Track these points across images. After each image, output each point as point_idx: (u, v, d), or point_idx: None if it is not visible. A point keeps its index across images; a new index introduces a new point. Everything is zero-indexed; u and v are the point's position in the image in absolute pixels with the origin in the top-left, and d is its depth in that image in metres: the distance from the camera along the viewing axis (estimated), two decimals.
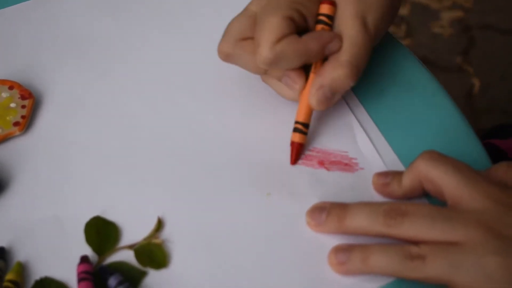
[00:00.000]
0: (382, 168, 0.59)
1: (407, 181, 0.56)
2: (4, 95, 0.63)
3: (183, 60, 0.66)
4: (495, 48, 1.61)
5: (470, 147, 0.61)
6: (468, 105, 1.52)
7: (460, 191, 0.53)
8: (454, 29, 1.63)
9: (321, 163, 0.59)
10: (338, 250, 0.54)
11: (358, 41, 0.58)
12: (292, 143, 0.59)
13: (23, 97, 0.62)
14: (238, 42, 0.59)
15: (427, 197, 0.57)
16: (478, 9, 1.66)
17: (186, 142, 0.61)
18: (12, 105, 0.62)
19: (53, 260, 0.55)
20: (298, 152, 0.59)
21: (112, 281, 0.54)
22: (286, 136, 0.61)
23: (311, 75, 0.59)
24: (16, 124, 0.61)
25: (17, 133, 0.61)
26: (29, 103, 0.62)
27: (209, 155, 0.60)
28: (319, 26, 0.59)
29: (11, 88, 0.63)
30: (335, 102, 0.59)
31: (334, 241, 0.55)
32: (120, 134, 0.62)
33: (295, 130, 0.59)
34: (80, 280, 0.54)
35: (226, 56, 0.60)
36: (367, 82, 0.63)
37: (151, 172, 0.60)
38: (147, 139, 0.61)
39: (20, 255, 0.56)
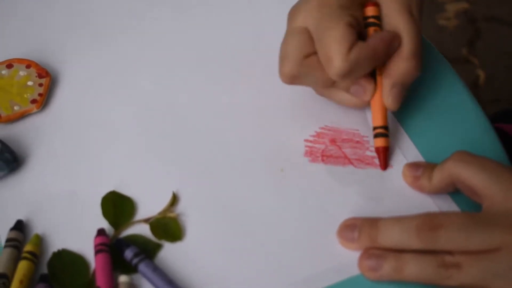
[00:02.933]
0: (393, 147, 0.60)
1: (437, 180, 0.56)
2: (21, 73, 0.64)
3: (198, 40, 0.67)
4: (500, 40, 1.62)
5: (488, 140, 0.62)
6: (474, 96, 1.53)
7: (493, 191, 0.53)
8: (459, 21, 1.64)
9: (333, 141, 0.61)
10: (371, 255, 0.54)
11: (413, 32, 0.58)
12: (378, 149, 0.59)
13: (40, 76, 0.64)
14: (302, 61, 0.58)
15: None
16: (483, 1, 1.67)
17: (201, 119, 0.62)
18: (30, 83, 0.63)
19: (70, 233, 0.57)
20: (386, 156, 0.59)
21: (129, 253, 0.55)
22: (299, 112, 0.61)
23: (378, 78, 0.59)
24: (33, 101, 0.62)
25: (35, 110, 0.62)
26: (46, 82, 0.63)
27: (223, 132, 0.62)
28: (372, 29, 0.59)
29: (28, 66, 0.64)
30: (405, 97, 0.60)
31: (343, 214, 0.56)
32: (135, 111, 0.63)
33: (377, 135, 0.59)
34: (97, 252, 0.55)
35: (292, 79, 0.59)
36: None
37: (166, 148, 0.61)
38: (162, 116, 0.63)
39: (38, 228, 0.57)
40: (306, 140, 0.61)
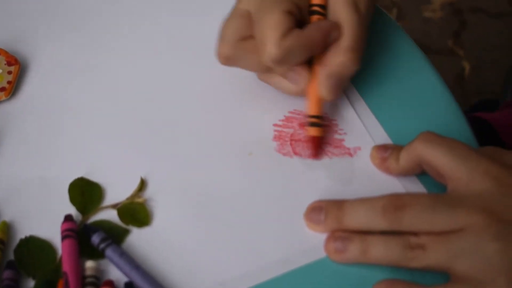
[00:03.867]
0: (362, 130, 0.60)
1: (403, 161, 0.56)
2: None
3: (169, 26, 0.67)
4: (486, 32, 1.62)
5: (456, 123, 0.62)
6: (459, 87, 1.53)
7: (459, 172, 0.53)
8: (445, 13, 1.64)
9: (302, 125, 0.60)
10: (337, 238, 0.54)
11: (355, 24, 0.58)
12: (311, 138, 0.59)
13: (9, 63, 0.63)
14: (238, 43, 0.58)
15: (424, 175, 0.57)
16: None
17: (170, 104, 0.62)
18: None
19: (38, 219, 0.57)
20: (318, 146, 0.59)
21: (96, 238, 0.55)
22: (268, 95, 0.61)
23: (315, 67, 0.59)
24: (2, 89, 0.62)
25: (3, 98, 0.62)
26: (15, 69, 0.63)
27: (192, 117, 0.61)
28: (315, 17, 0.59)
29: None
30: (343, 89, 0.59)
31: (312, 198, 0.56)
32: (103, 98, 0.63)
33: (311, 124, 0.59)
34: (64, 237, 0.55)
35: (226, 59, 0.58)
36: None
37: (134, 134, 0.61)
38: (131, 102, 0.62)
39: (6, 214, 0.57)
40: (275, 125, 0.61)
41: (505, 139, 0.83)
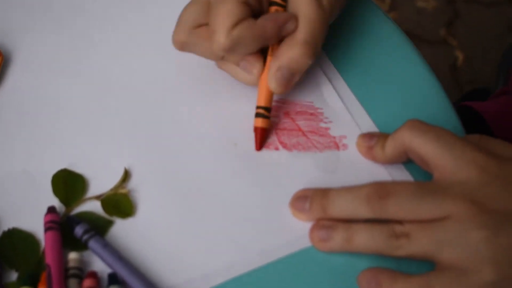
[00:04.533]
0: (348, 119, 0.60)
1: (389, 149, 0.56)
2: None
3: (150, 19, 0.66)
4: (479, 21, 1.61)
5: (444, 112, 0.61)
6: (452, 77, 1.53)
7: (444, 160, 0.52)
8: (438, 2, 1.64)
9: (287, 114, 0.60)
10: (321, 227, 0.54)
11: (313, 19, 0.57)
12: (256, 129, 0.58)
13: None
14: (192, 30, 0.57)
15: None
16: None
17: (154, 95, 0.62)
18: None
19: (21, 212, 0.56)
20: (263, 137, 0.58)
21: (79, 229, 0.54)
22: (253, 87, 0.60)
23: (269, 58, 0.58)
24: None
25: None
26: None
27: (176, 107, 0.61)
28: (273, 8, 0.58)
29: None
30: (295, 83, 0.58)
31: (297, 187, 0.56)
32: (86, 90, 0.62)
33: (258, 115, 0.58)
34: (47, 229, 0.54)
35: (181, 45, 0.58)
36: (336, 39, 0.64)
37: (118, 125, 0.60)
38: (114, 93, 0.62)
39: None
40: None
41: (494, 129, 0.83)
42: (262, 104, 0.58)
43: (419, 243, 0.50)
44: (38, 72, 0.63)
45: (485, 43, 1.57)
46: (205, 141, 0.59)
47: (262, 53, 0.58)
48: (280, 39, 0.57)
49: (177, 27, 0.58)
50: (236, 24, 0.55)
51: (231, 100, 0.61)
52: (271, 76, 0.57)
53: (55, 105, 0.61)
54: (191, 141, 0.59)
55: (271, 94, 0.58)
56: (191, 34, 0.58)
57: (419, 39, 1.56)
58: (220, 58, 0.58)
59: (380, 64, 0.63)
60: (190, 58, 0.63)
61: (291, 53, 0.56)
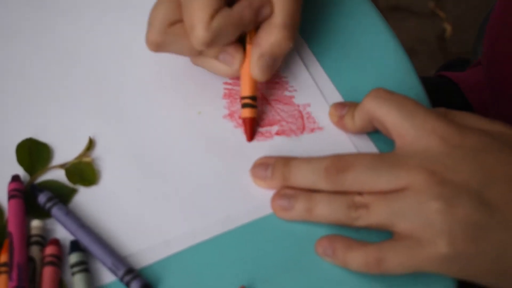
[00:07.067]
0: (313, 87, 0.60)
1: (357, 119, 0.56)
2: None
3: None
4: None
5: (409, 82, 0.61)
6: (440, 49, 1.52)
7: (405, 129, 0.52)
8: None
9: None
10: (283, 195, 0.54)
11: (286, 1, 0.56)
12: (244, 120, 0.58)
13: None
14: (167, 29, 0.55)
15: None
16: None
17: (119, 63, 0.62)
18: None
19: None
20: (252, 127, 0.58)
21: (42, 197, 0.55)
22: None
23: (248, 46, 0.57)
24: None
25: None
26: None
27: (141, 76, 0.61)
28: None
29: None
30: (277, 67, 0.57)
31: (260, 155, 0.56)
32: (51, 58, 0.62)
33: (244, 105, 0.57)
34: (10, 197, 0.54)
35: (157, 46, 0.56)
36: (303, 9, 0.63)
37: (82, 94, 0.60)
38: (79, 62, 0.62)
39: None
40: (225, 83, 0.60)
41: (470, 98, 0.83)
42: (247, 93, 0.57)
43: (377, 214, 0.51)
44: (1, 41, 0.63)
45: (473, 15, 1.57)
46: (169, 109, 0.59)
47: (240, 42, 0.57)
48: (257, 25, 0.57)
49: (149, 28, 0.56)
50: (213, 16, 0.54)
51: (196, 70, 0.61)
52: (254, 65, 0.56)
53: (18, 74, 0.61)
54: (155, 110, 0.59)
55: (255, 83, 0.57)
56: (167, 34, 0.56)
57: (407, 10, 1.55)
58: (198, 54, 0.57)
59: (345, 33, 0.63)
60: None
61: (272, 39, 0.56)
